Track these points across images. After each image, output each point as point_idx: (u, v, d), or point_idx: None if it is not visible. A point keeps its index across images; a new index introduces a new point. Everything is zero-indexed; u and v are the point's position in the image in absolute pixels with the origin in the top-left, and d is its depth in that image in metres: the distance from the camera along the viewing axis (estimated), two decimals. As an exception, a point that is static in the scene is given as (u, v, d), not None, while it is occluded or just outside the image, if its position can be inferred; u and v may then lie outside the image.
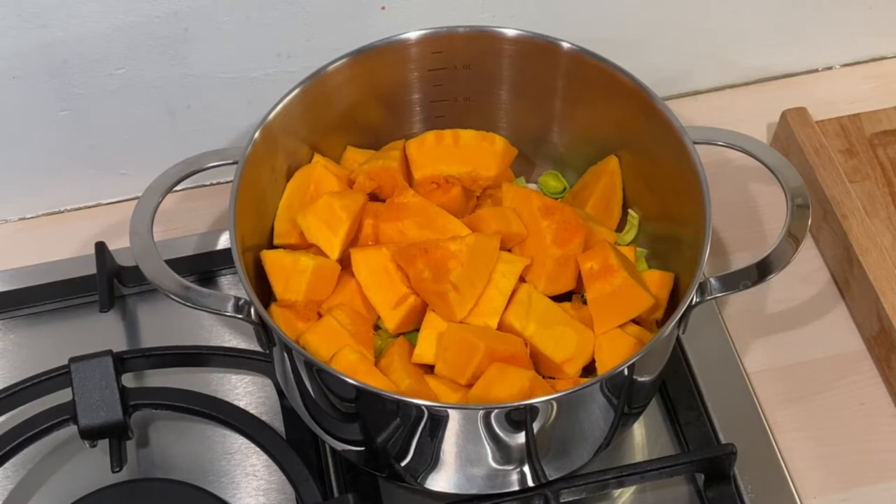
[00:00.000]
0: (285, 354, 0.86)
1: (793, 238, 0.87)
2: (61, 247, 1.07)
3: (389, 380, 0.87)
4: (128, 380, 0.96)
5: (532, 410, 0.80)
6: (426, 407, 0.80)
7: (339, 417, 0.86)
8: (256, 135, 0.90)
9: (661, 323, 0.92)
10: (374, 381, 0.85)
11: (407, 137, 1.00)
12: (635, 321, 0.91)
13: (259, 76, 1.03)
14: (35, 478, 0.94)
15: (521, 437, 0.82)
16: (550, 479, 0.88)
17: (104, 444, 0.92)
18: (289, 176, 0.95)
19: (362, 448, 0.88)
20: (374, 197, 0.97)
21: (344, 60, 0.93)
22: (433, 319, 0.89)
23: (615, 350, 0.88)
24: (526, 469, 0.86)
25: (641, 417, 0.94)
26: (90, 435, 0.92)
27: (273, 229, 0.95)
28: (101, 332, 1.01)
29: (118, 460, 0.91)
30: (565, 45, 0.94)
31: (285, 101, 0.92)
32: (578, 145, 1.00)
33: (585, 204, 0.98)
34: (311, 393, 0.86)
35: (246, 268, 0.85)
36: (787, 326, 1.02)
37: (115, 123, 1.04)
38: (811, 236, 1.07)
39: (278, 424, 0.95)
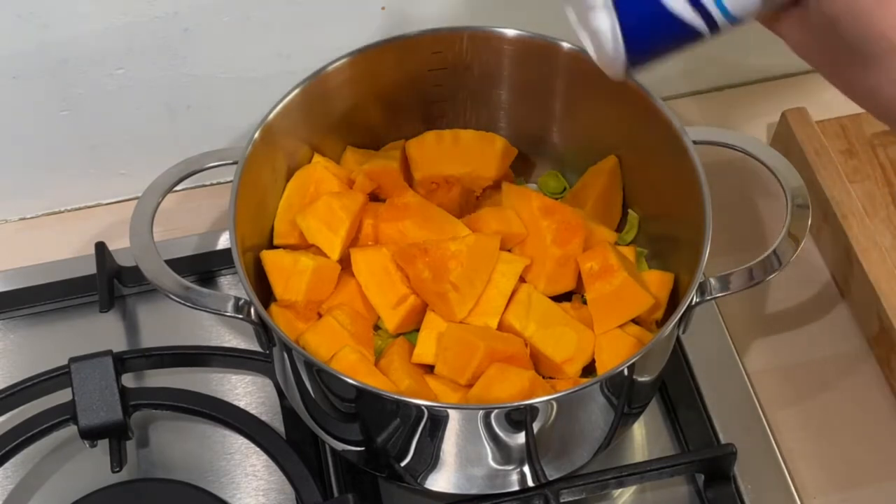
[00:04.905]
0: (285, 354, 0.86)
1: (793, 238, 0.86)
2: (61, 247, 1.06)
3: (389, 380, 0.87)
4: (128, 380, 0.96)
5: (532, 410, 0.80)
6: (426, 407, 0.80)
7: (339, 417, 0.86)
8: (256, 135, 0.90)
9: (661, 323, 0.92)
10: (374, 381, 0.85)
11: (407, 137, 0.99)
12: (635, 321, 0.91)
13: (259, 76, 1.03)
14: (35, 478, 0.94)
15: (521, 437, 0.82)
16: (550, 479, 0.88)
17: (104, 444, 0.92)
18: (289, 176, 0.95)
19: (362, 448, 0.88)
20: (374, 197, 0.97)
21: (344, 60, 0.93)
22: (433, 319, 0.89)
23: (615, 350, 0.88)
24: (526, 469, 0.86)
25: (641, 417, 0.94)
26: (90, 435, 0.92)
27: (273, 229, 0.95)
28: (101, 332, 1.01)
29: (118, 460, 0.91)
30: (565, 45, 0.94)
31: (285, 101, 0.91)
32: (578, 145, 1.00)
33: (585, 204, 0.98)
34: (311, 393, 0.86)
35: (246, 268, 0.85)
36: (787, 326, 1.02)
37: (115, 123, 1.04)
38: (811, 236, 1.07)
39: (278, 424, 0.95)
